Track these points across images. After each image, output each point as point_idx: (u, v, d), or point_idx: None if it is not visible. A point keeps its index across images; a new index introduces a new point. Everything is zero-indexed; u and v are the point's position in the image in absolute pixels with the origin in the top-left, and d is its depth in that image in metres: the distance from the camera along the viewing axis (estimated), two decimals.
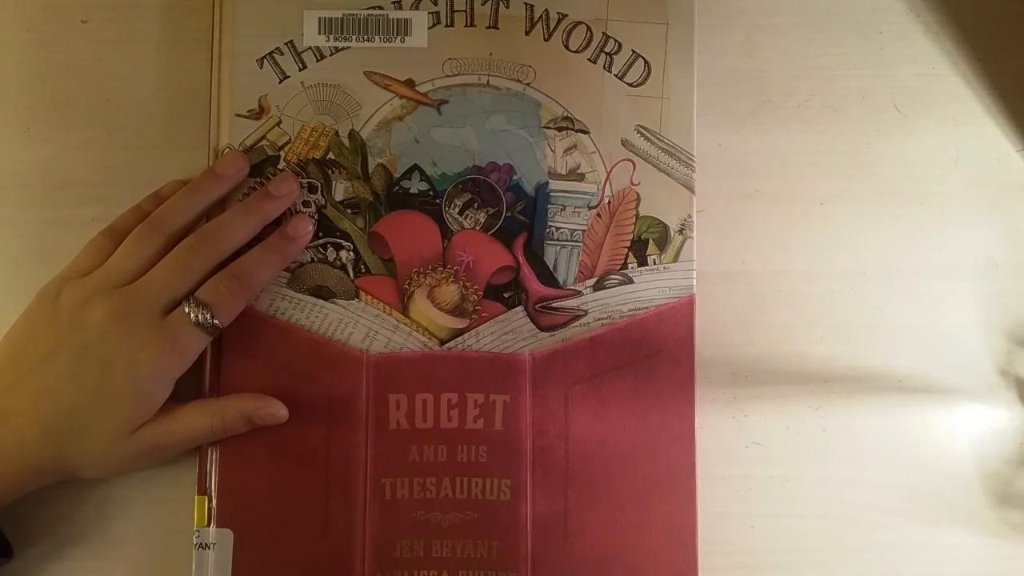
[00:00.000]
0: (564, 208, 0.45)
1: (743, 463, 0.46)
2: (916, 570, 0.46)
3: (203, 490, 0.43)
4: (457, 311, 0.45)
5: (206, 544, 0.43)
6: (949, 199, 0.47)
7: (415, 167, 0.45)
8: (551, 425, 0.44)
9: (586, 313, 0.45)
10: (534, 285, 0.45)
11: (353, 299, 0.44)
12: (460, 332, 0.45)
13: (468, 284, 0.45)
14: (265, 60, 0.45)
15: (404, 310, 0.44)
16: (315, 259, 0.44)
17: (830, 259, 0.47)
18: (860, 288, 0.47)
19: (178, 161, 0.46)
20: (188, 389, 0.43)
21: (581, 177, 0.45)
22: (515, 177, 0.45)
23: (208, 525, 0.43)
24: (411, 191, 0.45)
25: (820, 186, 0.47)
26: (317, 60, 0.45)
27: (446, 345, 0.44)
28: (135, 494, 0.44)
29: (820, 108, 0.48)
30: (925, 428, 0.46)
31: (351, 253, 0.45)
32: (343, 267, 0.44)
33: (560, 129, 0.45)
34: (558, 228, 0.45)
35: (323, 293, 0.44)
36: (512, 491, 0.44)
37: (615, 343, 0.44)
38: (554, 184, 0.45)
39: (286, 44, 0.45)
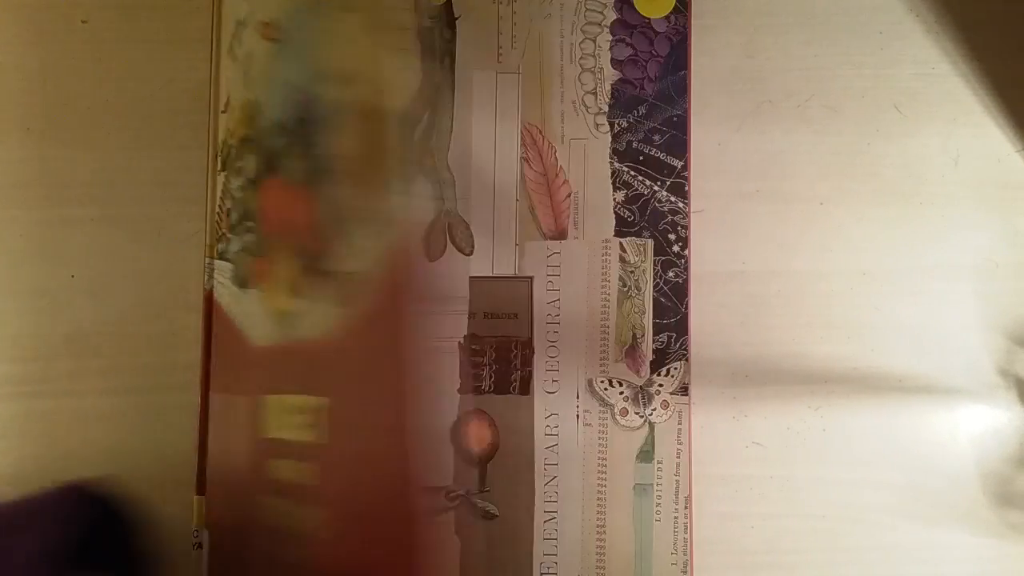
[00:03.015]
0: None
1: (743, 463, 0.46)
2: (916, 570, 0.46)
3: (203, 490, 0.43)
4: None
5: (206, 544, 0.43)
6: (949, 199, 0.47)
7: None
8: None
9: None
10: None
11: None
12: None
13: None
14: None
15: None
16: None
17: (830, 259, 0.47)
18: (860, 288, 0.47)
19: (178, 161, 0.46)
20: (186, 382, 0.43)
21: None
22: None
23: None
24: None
25: (820, 186, 0.47)
26: None
27: None
28: (135, 495, 0.44)
29: (820, 108, 0.48)
30: (925, 428, 0.46)
31: None
32: None
33: None
34: None
35: None
36: None
37: None
38: None
39: None
